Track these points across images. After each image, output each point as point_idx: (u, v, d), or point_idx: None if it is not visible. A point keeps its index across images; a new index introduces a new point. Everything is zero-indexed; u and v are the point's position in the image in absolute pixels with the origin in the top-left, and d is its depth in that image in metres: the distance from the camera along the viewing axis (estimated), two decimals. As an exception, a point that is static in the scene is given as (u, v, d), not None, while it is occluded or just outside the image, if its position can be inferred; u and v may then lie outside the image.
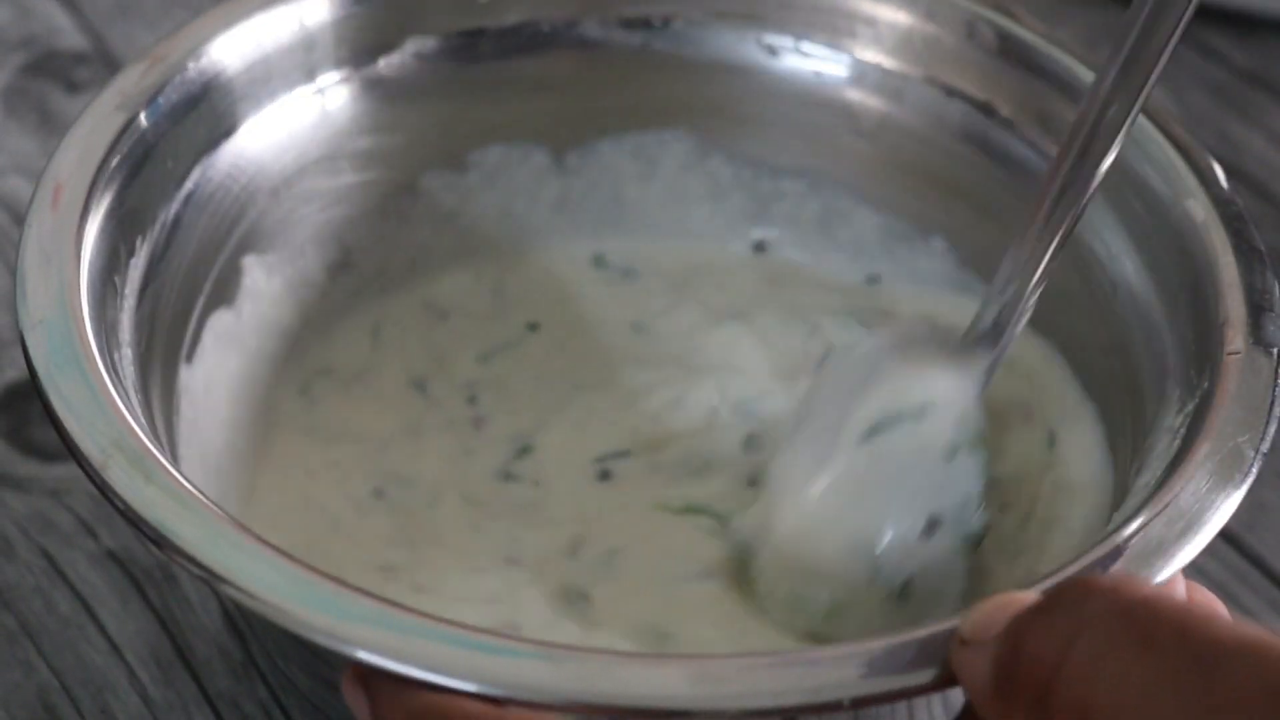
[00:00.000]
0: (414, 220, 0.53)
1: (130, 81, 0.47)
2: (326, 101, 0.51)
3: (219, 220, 0.48)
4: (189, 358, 0.47)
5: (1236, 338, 0.43)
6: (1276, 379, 0.42)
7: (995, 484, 0.46)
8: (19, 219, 0.58)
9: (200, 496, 0.38)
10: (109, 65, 0.64)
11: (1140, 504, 0.40)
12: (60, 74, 0.64)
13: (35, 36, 0.65)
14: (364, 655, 0.36)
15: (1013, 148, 0.51)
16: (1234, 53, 0.68)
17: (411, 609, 0.37)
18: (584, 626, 0.43)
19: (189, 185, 0.47)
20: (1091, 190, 0.43)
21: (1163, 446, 0.42)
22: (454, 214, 0.53)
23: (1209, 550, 0.42)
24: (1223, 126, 0.65)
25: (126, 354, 0.43)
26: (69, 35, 0.66)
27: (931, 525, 0.43)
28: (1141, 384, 0.45)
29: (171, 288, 0.46)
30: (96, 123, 0.46)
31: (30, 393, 0.52)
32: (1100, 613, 0.32)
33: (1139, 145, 0.47)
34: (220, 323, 0.48)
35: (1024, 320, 0.44)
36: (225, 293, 0.49)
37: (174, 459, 0.42)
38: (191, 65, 0.48)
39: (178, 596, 0.48)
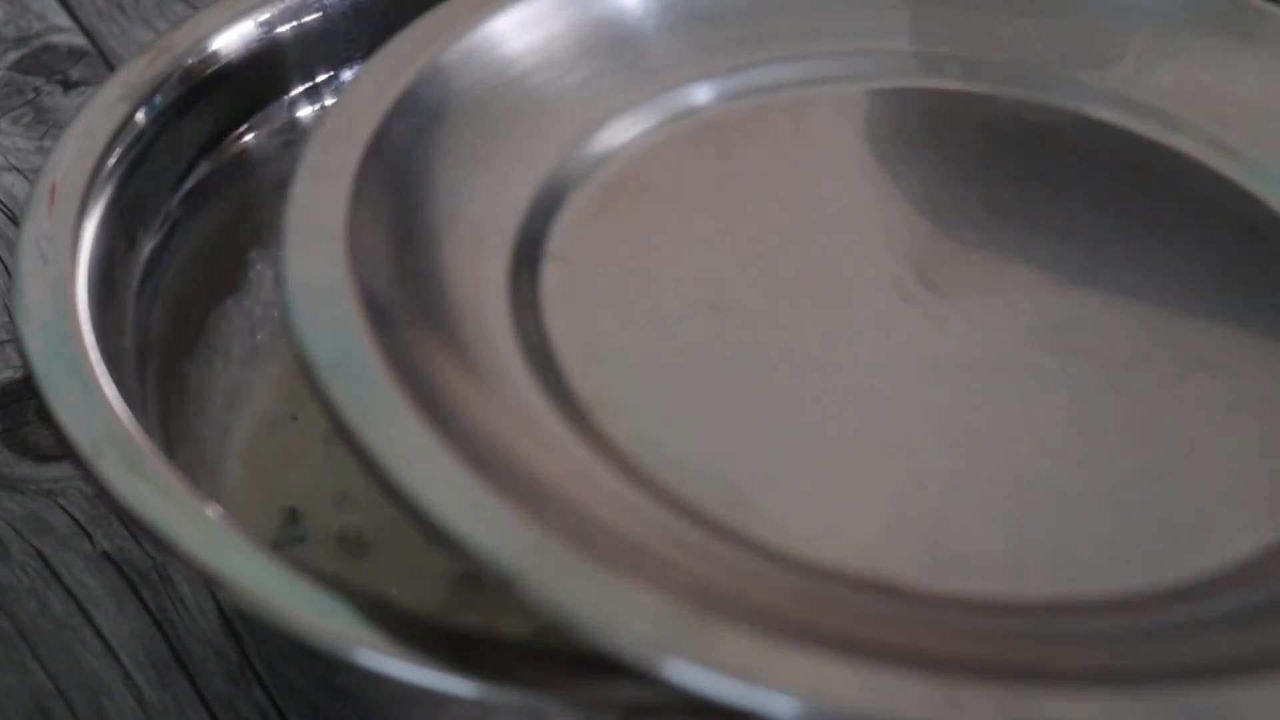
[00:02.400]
0: None
1: (134, 73, 0.47)
2: (334, 97, 0.51)
3: (224, 215, 0.48)
4: (191, 352, 0.47)
5: None
6: None
7: None
8: (14, 217, 0.58)
9: (195, 494, 0.38)
10: (105, 62, 0.64)
11: None
12: (55, 70, 0.64)
13: (30, 32, 0.65)
14: (359, 655, 0.36)
15: None
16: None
17: (406, 610, 0.36)
18: None
19: (193, 180, 0.47)
20: None
21: None
22: None
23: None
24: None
25: (126, 348, 0.43)
26: (64, 32, 0.65)
27: None
28: None
29: (174, 282, 0.46)
30: (98, 116, 0.46)
31: (26, 393, 0.52)
32: None
33: None
34: (225, 317, 0.48)
35: None
36: (230, 287, 0.48)
37: (171, 455, 0.42)
38: (196, 58, 0.48)
39: (174, 598, 0.48)
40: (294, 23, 0.50)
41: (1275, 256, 0.44)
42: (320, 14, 0.50)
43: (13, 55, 0.64)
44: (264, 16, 0.49)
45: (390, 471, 0.35)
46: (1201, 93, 0.47)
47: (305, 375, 0.37)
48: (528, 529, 0.34)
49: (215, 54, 0.48)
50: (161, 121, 0.47)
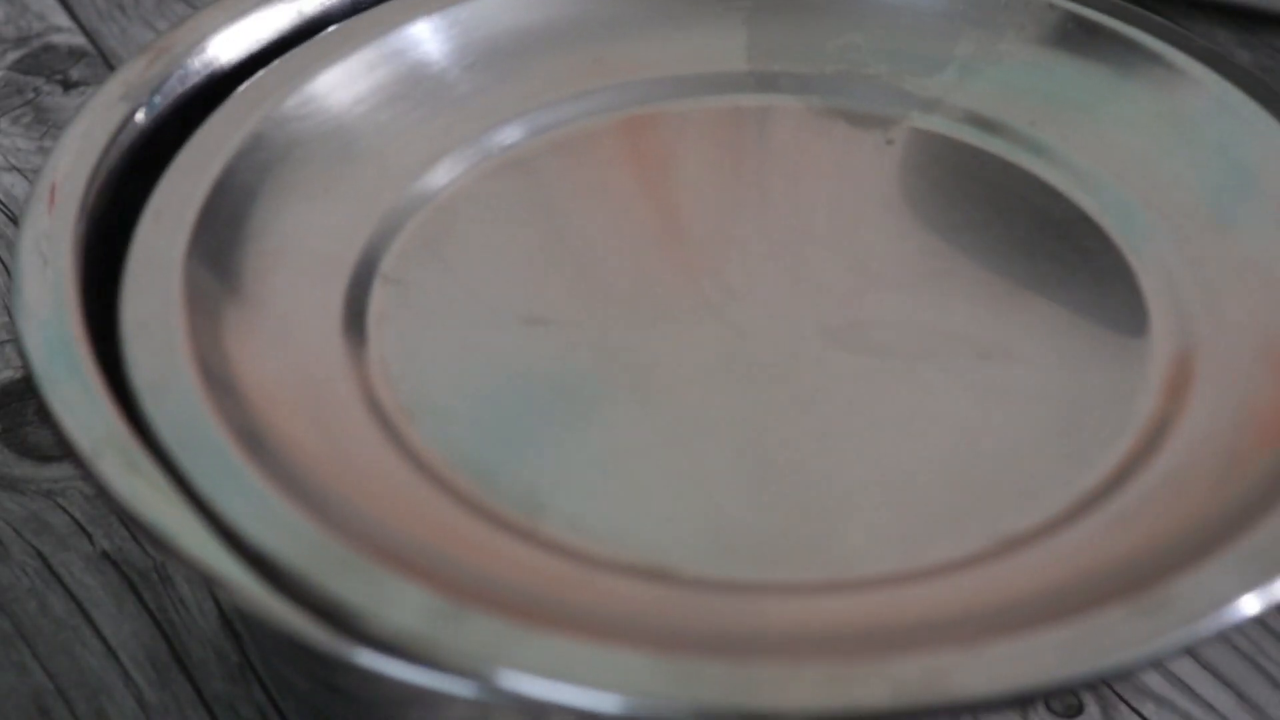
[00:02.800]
0: None
1: (134, 73, 0.47)
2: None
3: None
4: None
5: None
6: None
7: None
8: (14, 217, 0.58)
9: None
10: (105, 62, 0.64)
11: None
12: (55, 71, 0.64)
13: (30, 33, 0.65)
14: (358, 655, 0.36)
15: None
16: (1238, 51, 0.68)
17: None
18: None
19: None
20: None
21: None
22: None
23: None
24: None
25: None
26: (64, 32, 0.65)
27: None
28: None
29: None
30: (97, 116, 0.46)
31: (25, 393, 0.52)
32: None
33: None
34: None
35: None
36: None
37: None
38: (195, 58, 0.48)
39: (173, 599, 0.48)
40: (292, 21, 0.50)
41: (1074, 250, 0.47)
42: (318, 14, 0.50)
43: (13, 55, 0.64)
44: (263, 16, 0.49)
45: (196, 483, 0.39)
46: (1019, 97, 0.50)
47: (133, 400, 0.40)
48: (312, 529, 0.38)
49: (215, 54, 0.48)
50: (161, 121, 0.47)
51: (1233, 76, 0.49)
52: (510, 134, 0.49)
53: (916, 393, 0.44)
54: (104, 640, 0.48)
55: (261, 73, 0.48)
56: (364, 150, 0.48)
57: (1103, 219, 0.47)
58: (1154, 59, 0.50)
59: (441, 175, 0.48)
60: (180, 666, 0.47)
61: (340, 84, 0.48)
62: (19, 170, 0.60)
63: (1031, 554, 0.40)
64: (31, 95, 0.63)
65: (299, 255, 0.45)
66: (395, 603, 0.36)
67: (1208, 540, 0.39)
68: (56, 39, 0.65)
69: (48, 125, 0.62)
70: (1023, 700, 0.35)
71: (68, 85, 0.64)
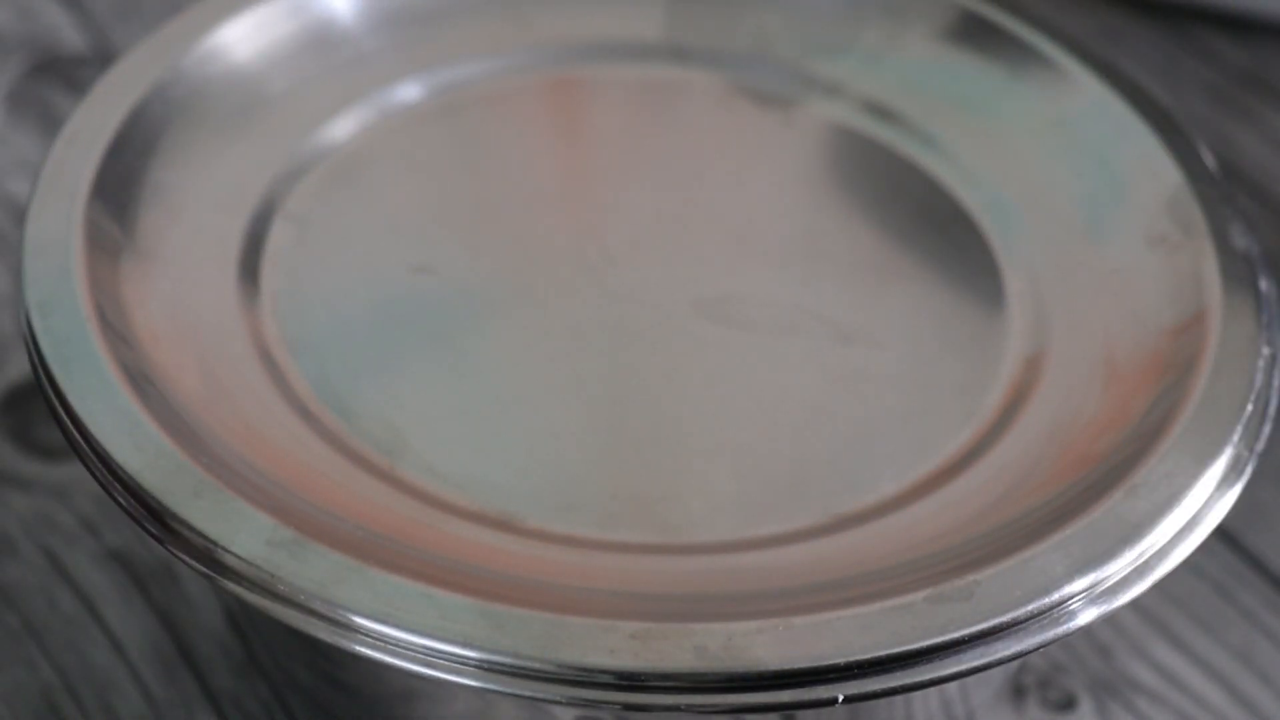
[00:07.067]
0: None
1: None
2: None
3: None
4: None
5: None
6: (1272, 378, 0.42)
7: None
8: (21, 222, 0.58)
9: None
10: (111, 67, 0.65)
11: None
12: (63, 76, 0.64)
13: (37, 38, 0.66)
14: (364, 650, 0.36)
15: None
16: (1231, 54, 0.68)
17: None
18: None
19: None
20: None
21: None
22: None
23: (1206, 549, 0.43)
24: (1220, 128, 0.65)
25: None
26: (71, 37, 0.66)
27: None
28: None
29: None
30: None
31: (33, 392, 0.52)
32: None
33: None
34: None
35: None
36: None
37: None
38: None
39: (180, 595, 0.49)
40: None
41: (949, 245, 0.48)
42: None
43: (23, 63, 0.65)
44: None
45: (78, 413, 0.39)
46: (918, 89, 0.51)
47: (22, 314, 0.42)
48: (174, 455, 0.39)
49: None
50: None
51: (1117, 85, 0.50)
52: (420, 89, 0.50)
53: (775, 369, 0.45)
54: (112, 637, 0.48)
55: (172, 21, 0.49)
56: (272, 98, 0.49)
57: (981, 217, 0.49)
58: (1046, 63, 0.50)
59: (350, 124, 0.49)
60: (187, 662, 0.48)
61: (249, 35, 0.49)
62: (27, 175, 0.60)
63: (859, 533, 0.41)
64: (42, 103, 0.63)
65: (202, 194, 0.46)
66: (244, 530, 0.37)
67: (1027, 534, 0.39)
68: (67, 46, 0.65)
69: (56, 131, 0.62)
70: (820, 675, 0.36)
71: (76, 91, 0.64)
